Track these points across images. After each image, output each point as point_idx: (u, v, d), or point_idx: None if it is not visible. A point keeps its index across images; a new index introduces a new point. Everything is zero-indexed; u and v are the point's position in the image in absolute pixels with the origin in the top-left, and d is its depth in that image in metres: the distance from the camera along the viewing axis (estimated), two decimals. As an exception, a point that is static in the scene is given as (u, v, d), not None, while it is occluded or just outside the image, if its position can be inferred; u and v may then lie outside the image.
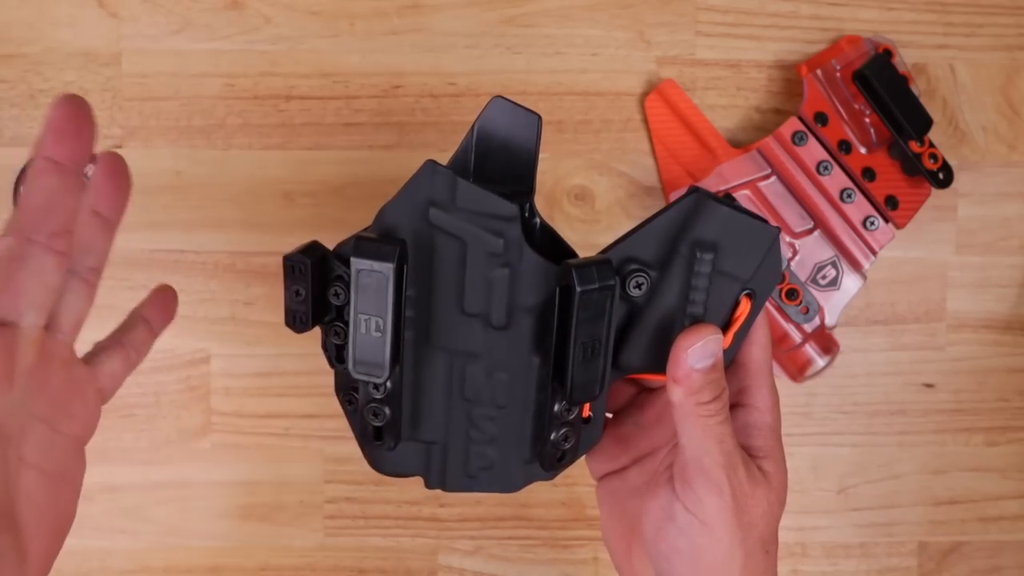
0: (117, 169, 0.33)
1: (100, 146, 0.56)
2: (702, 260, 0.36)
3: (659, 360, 0.36)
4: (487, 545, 0.58)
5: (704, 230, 0.36)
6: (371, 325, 0.35)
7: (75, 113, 0.29)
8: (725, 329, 0.37)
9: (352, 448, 0.57)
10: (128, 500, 0.57)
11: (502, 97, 0.39)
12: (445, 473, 0.40)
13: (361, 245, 0.35)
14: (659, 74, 0.58)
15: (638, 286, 0.36)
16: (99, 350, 0.37)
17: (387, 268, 0.34)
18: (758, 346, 0.37)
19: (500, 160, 0.39)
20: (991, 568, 0.60)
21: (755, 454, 0.36)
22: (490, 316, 0.37)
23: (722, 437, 0.35)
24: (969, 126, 0.59)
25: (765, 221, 0.36)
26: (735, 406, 0.37)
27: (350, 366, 0.36)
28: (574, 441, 0.38)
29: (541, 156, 0.57)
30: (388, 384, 0.37)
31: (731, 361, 0.38)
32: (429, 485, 0.40)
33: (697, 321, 0.36)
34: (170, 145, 0.57)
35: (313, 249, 0.37)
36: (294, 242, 0.57)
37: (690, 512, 0.35)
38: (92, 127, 0.30)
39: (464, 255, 0.37)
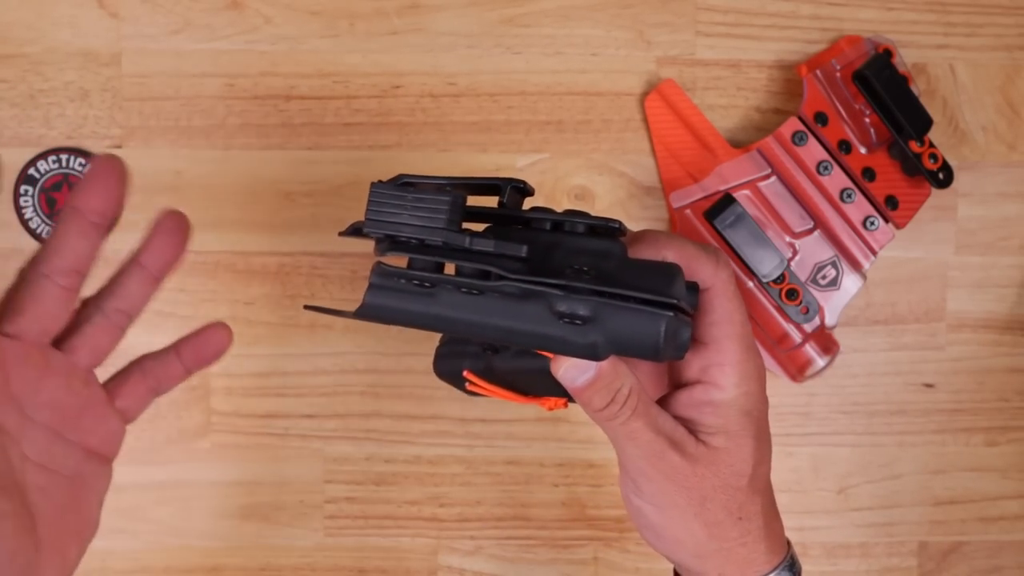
0: (175, 230, 0.38)
1: (99, 147, 0.56)
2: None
3: None
4: (487, 545, 0.58)
5: None
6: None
7: (108, 172, 0.35)
8: None
9: (352, 448, 0.57)
10: (128, 500, 0.57)
11: None
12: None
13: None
14: (659, 74, 0.58)
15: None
16: (124, 377, 0.40)
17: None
18: (722, 324, 0.37)
19: None
20: (991, 568, 0.60)
21: (704, 431, 0.37)
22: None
23: (632, 433, 0.36)
24: (969, 126, 0.59)
25: None
26: (696, 383, 0.38)
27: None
28: None
29: (541, 156, 0.57)
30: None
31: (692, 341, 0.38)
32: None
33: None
34: (170, 145, 0.57)
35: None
36: (294, 242, 0.58)
37: (641, 499, 0.38)
38: (122, 188, 0.35)
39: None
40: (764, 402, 0.38)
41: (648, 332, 0.33)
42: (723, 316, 0.37)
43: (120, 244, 0.57)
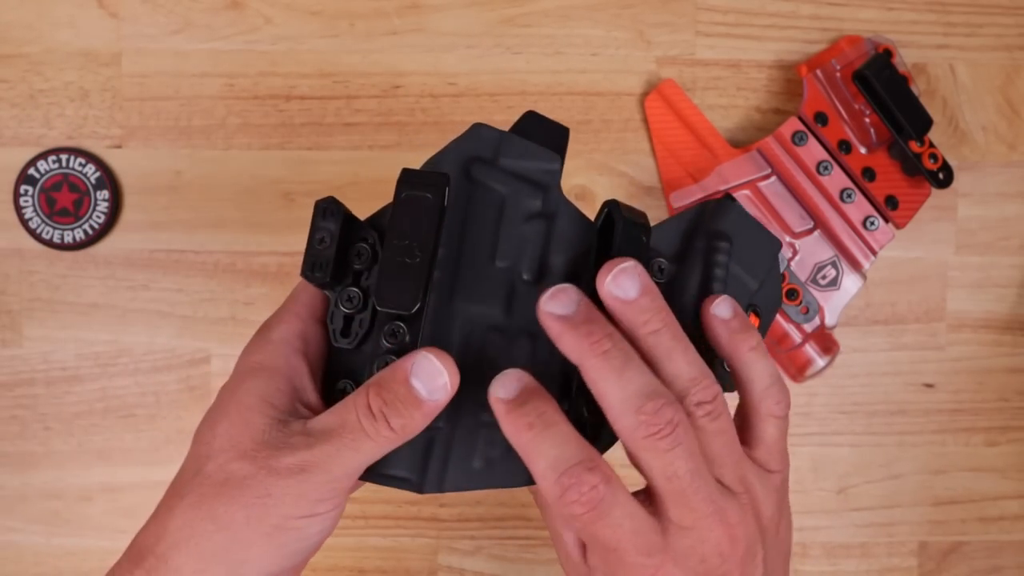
0: None
1: (99, 147, 0.56)
2: (720, 249, 0.37)
3: None
4: (487, 545, 0.58)
5: (720, 223, 0.37)
6: (405, 251, 0.34)
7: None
8: None
9: (352, 448, 0.57)
10: (128, 500, 0.57)
11: (534, 112, 0.39)
12: (447, 468, 0.36)
13: (408, 173, 0.35)
14: (659, 74, 0.58)
15: (660, 269, 0.38)
16: None
17: (434, 194, 0.34)
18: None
19: None
20: (991, 568, 0.60)
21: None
22: (521, 271, 0.36)
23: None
24: (969, 126, 0.59)
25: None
26: None
27: (374, 296, 0.34)
28: (600, 416, 0.35)
29: (541, 156, 0.57)
30: (410, 333, 0.35)
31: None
32: (424, 488, 0.36)
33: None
34: (170, 145, 0.57)
35: (342, 204, 0.37)
36: (294, 242, 0.58)
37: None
38: None
39: (502, 208, 0.36)
40: (730, 557, 0.32)
41: None
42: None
43: (123, 244, 0.57)
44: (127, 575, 0.33)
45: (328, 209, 0.36)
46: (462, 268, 0.36)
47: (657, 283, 0.37)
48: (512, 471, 0.36)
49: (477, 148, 0.37)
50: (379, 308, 0.34)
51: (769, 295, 0.39)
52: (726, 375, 0.38)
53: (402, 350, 0.35)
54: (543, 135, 0.39)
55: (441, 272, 0.36)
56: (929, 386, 0.59)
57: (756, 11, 0.58)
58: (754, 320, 0.39)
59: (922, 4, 0.58)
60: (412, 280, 0.34)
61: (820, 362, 0.56)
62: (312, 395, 0.36)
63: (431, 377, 0.32)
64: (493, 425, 0.36)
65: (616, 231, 0.36)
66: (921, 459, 0.59)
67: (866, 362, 0.59)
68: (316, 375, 0.37)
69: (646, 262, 0.37)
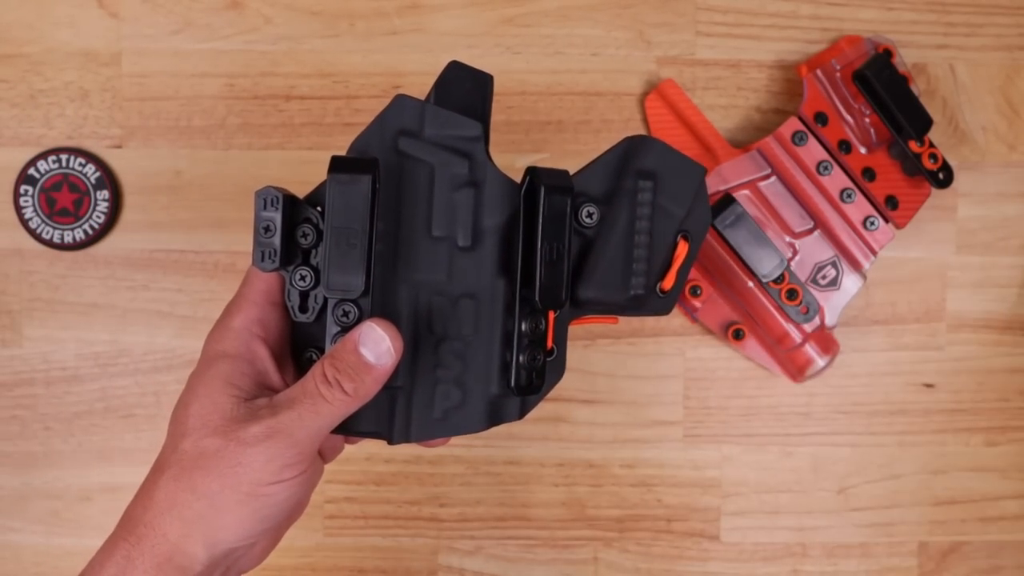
0: None
1: (99, 147, 0.56)
2: (643, 188, 0.40)
3: (611, 292, 0.40)
4: (487, 545, 0.58)
5: (643, 161, 0.40)
6: (344, 239, 0.36)
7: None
8: (667, 269, 0.41)
9: (352, 448, 0.57)
10: (128, 500, 0.57)
11: (457, 61, 0.42)
12: (410, 421, 0.40)
13: (337, 161, 0.37)
14: (659, 74, 0.58)
15: (589, 215, 0.40)
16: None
17: (364, 179, 0.36)
18: None
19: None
20: (991, 568, 0.60)
21: None
22: (456, 238, 0.39)
23: None
24: (969, 126, 0.59)
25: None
26: None
27: (322, 285, 0.37)
28: (541, 362, 0.40)
29: (541, 156, 0.57)
30: (359, 309, 0.38)
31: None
32: (392, 439, 0.40)
33: (642, 260, 0.40)
34: (170, 145, 0.57)
35: (281, 188, 0.39)
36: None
37: None
38: None
39: (432, 179, 0.39)
40: None
41: None
42: None
43: (123, 244, 0.57)
44: (122, 542, 0.37)
45: (269, 199, 0.38)
46: (402, 240, 0.39)
47: (587, 227, 0.40)
48: (468, 419, 0.40)
49: (402, 120, 0.39)
50: (328, 296, 0.37)
51: (698, 219, 0.42)
52: (660, 302, 0.42)
53: (354, 326, 0.38)
54: (468, 83, 0.42)
55: (383, 245, 0.39)
56: (929, 386, 0.59)
57: (756, 11, 0.58)
58: (684, 245, 0.42)
59: (922, 4, 0.58)
60: (354, 265, 0.36)
61: (820, 362, 0.56)
62: (275, 377, 0.39)
63: (376, 343, 0.36)
64: (446, 380, 0.40)
65: (540, 202, 0.38)
66: (921, 459, 0.59)
67: (866, 362, 0.59)
68: (277, 357, 0.39)
69: (573, 214, 0.40)
